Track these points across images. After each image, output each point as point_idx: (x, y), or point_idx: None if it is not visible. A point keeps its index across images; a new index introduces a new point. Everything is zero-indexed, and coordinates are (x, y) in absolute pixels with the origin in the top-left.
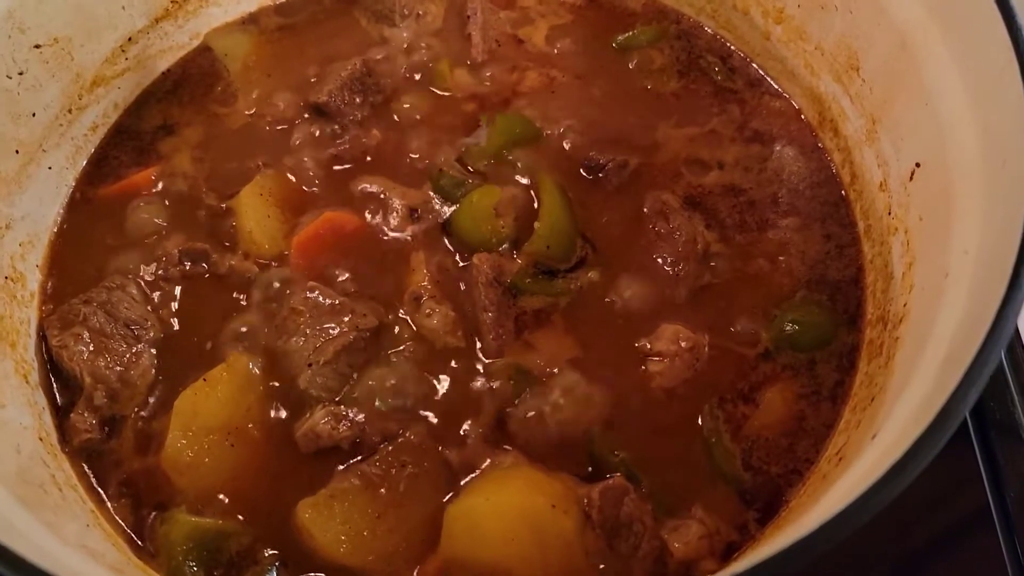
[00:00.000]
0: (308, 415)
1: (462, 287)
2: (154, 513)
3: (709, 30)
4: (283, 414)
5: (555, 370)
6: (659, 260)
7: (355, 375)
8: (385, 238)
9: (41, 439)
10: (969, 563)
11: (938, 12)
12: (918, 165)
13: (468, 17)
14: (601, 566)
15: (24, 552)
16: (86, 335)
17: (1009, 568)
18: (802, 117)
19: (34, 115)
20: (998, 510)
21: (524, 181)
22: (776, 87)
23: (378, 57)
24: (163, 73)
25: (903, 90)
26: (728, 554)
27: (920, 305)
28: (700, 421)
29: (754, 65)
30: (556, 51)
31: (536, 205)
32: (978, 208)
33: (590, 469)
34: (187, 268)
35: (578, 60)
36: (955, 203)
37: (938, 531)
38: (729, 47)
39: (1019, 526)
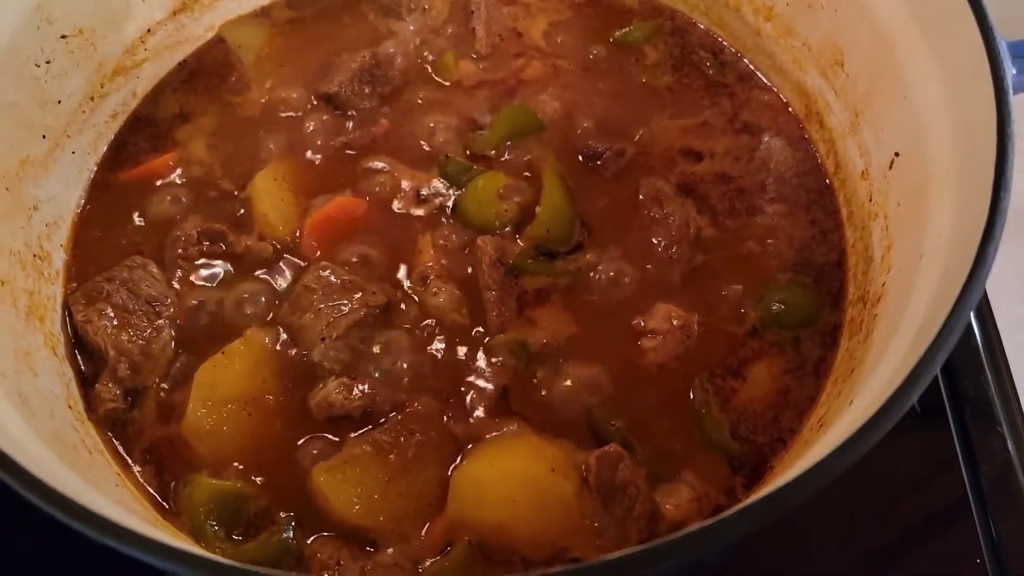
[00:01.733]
0: (321, 385)
1: (467, 268)
2: (177, 478)
3: (702, 26)
4: (298, 385)
5: (555, 345)
6: (654, 243)
7: (366, 348)
8: (393, 221)
9: (70, 407)
10: (946, 545)
11: (917, 13)
12: (897, 155)
13: (472, 12)
14: (597, 525)
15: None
16: (109, 311)
17: (984, 551)
18: (789, 110)
19: (60, 102)
20: (974, 493)
21: (526, 168)
22: (765, 81)
23: (386, 50)
24: (179, 63)
25: (884, 85)
26: (715, 515)
27: (897, 285)
28: (691, 394)
29: (745, 60)
30: (556, 46)
31: (538, 191)
32: (951, 195)
33: (588, 437)
34: (205, 248)
35: (577, 55)
36: (930, 190)
37: (915, 514)
38: (721, 43)
39: (995, 509)
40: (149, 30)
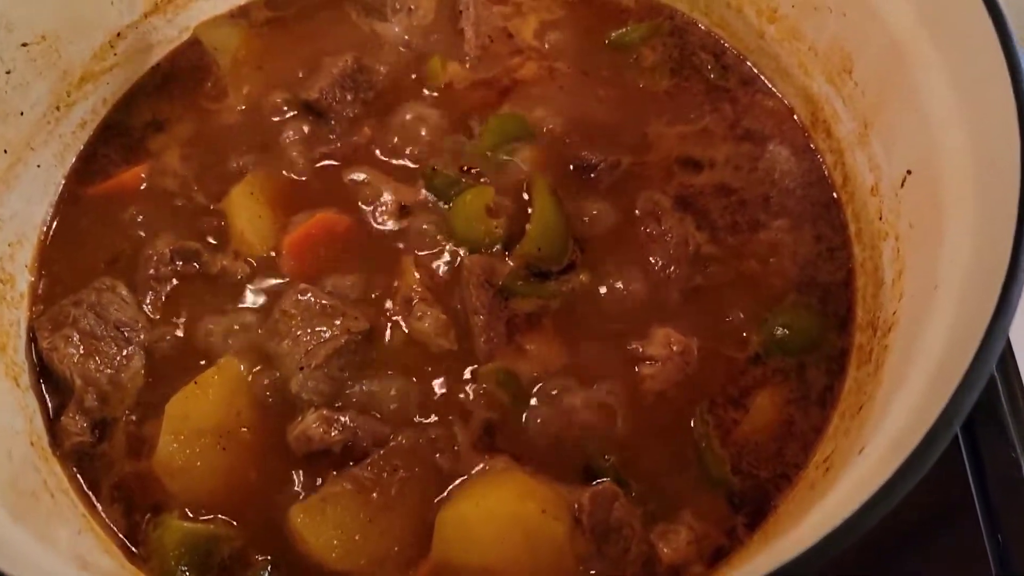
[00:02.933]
0: (300, 419)
1: (455, 290)
2: (148, 516)
3: (702, 27)
4: (275, 418)
5: (546, 373)
6: (650, 261)
7: (347, 378)
8: (376, 238)
9: (32, 443)
10: (951, 551)
11: (929, 17)
12: (909, 172)
13: (460, 12)
14: (592, 572)
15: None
16: (76, 337)
17: (991, 556)
18: (795, 117)
19: (22, 114)
20: (980, 499)
21: (517, 181)
22: (769, 86)
23: (370, 54)
24: (152, 68)
25: (895, 94)
26: (716, 558)
27: (909, 315)
28: (692, 424)
29: (747, 63)
30: (548, 48)
31: (528, 206)
32: (968, 217)
33: (580, 473)
34: (178, 268)
35: (571, 57)
36: (945, 213)
37: (921, 519)
38: (723, 44)
39: (1001, 515)
40: (119, 34)
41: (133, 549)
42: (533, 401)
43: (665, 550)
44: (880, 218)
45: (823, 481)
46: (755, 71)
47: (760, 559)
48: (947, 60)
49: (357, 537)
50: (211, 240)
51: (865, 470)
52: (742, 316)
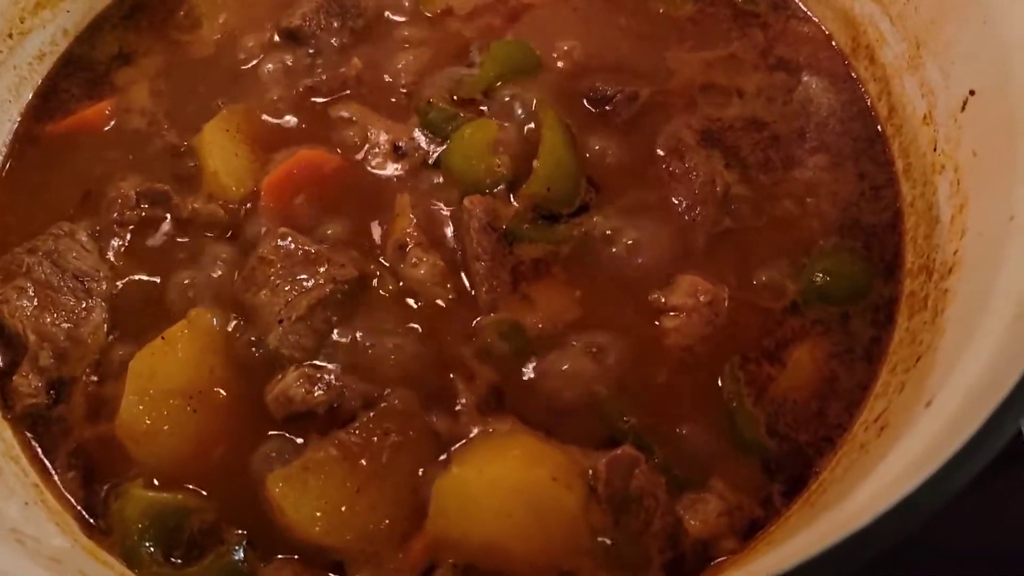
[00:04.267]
0: (279, 377)
1: (452, 234)
2: (107, 487)
3: None
4: (252, 376)
5: (556, 326)
6: (674, 203)
7: (332, 332)
8: (366, 179)
9: None
10: (1000, 495)
11: None
12: (972, 93)
13: None
14: (608, 543)
15: None
16: (30, 288)
17: None
18: (833, 44)
19: None
20: None
21: (522, 115)
22: (804, 10)
23: None
24: None
25: (956, 7)
26: (751, 532)
27: (976, 253)
28: (720, 383)
29: None
30: None
31: (536, 142)
32: None
33: (596, 437)
34: (145, 212)
35: None
36: (1020, 135)
37: None
38: None
39: None
40: None
41: (91, 521)
42: (541, 356)
43: (692, 522)
44: (934, 149)
45: (877, 442)
46: None
47: (807, 534)
48: None
49: (343, 509)
50: (182, 182)
51: (938, 425)
52: (777, 261)
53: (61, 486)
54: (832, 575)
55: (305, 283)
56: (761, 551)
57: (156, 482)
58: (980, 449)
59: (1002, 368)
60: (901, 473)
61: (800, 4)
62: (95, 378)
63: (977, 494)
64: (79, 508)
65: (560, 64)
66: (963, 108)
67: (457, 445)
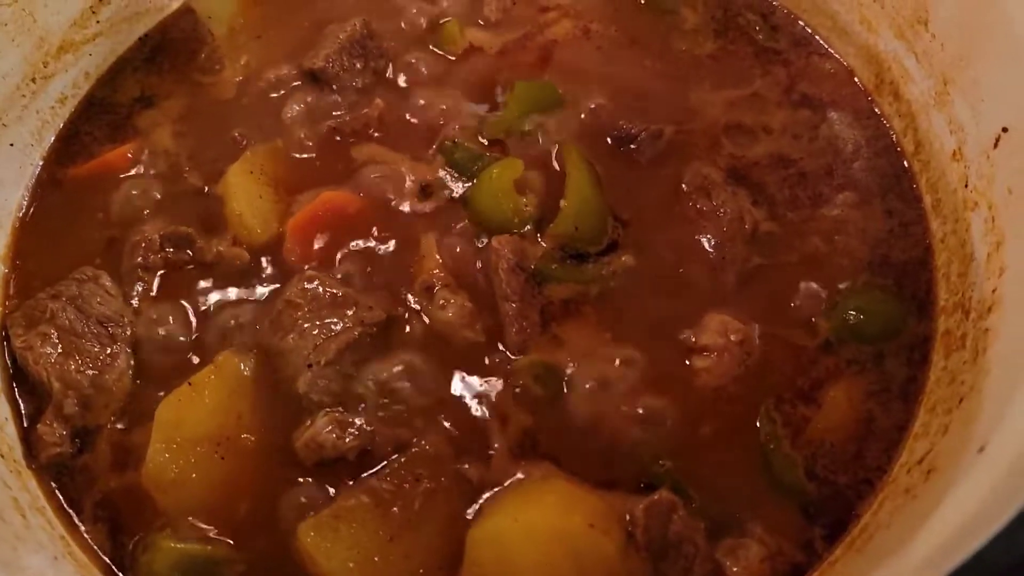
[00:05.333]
0: (309, 423)
1: (480, 275)
2: (136, 537)
3: None
4: (280, 422)
5: (587, 369)
6: (702, 241)
7: (362, 376)
8: (392, 219)
9: (2, 455)
10: None
11: None
12: (1005, 130)
13: None
14: None
15: None
16: (54, 335)
17: None
18: (855, 80)
19: None
20: None
21: (547, 153)
22: (825, 47)
23: (380, 18)
24: (140, 39)
25: (986, 44)
26: None
27: (1018, 292)
28: (758, 424)
29: (800, 22)
30: (578, 10)
31: (562, 181)
32: None
33: (633, 481)
34: (169, 256)
35: (603, 20)
36: None
37: None
38: (771, 3)
39: None
40: None
41: (119, 574)
42: (574, 399)
43: (734, 569)
44: (966, 186)
45: (924, 487)
46: (808, 30)
47: None
48: None
49: (376, 559)
50: (206, 225)
51: (998, 472)
52: (809, 300)
53: (88, 538)
54: None
55: (333, 326)
56: None
57: (185, 533)
58: None
59: None
60: (965, 524)
61: (821, 41)
62: (120, 426)
63: None
64: (106, 560)
65: (584, 103)
66: (995, 145)
67: (491, 492)
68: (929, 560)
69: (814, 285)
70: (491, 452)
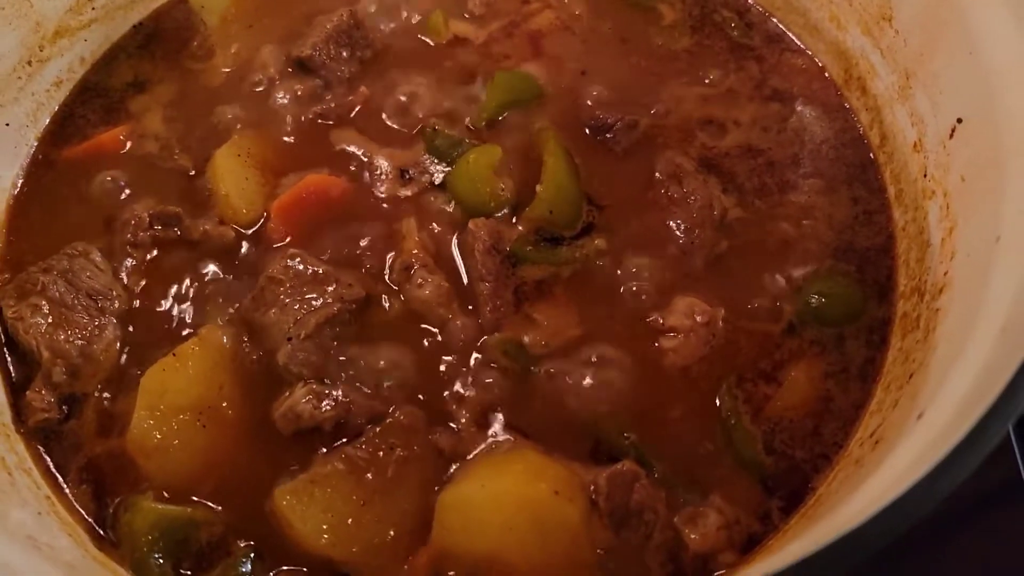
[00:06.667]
0: (288, 393)
1: (457, 256)
2: (117, 500)
3: None
4: (260, 392)
5: (557, 346)
6: (672, 227)
7: (340, 350)
8: (373, 202)
9: None
10: (998, 534)
11: None
12: (960, 121)
13: None
14: (609, 557)
15: None
16: (45, 306)
17: None
18: (826, 75)
19: None
20: None
21: (525, 141)
22: (798, 43)
23: (367, 8)
24: (134, 26)
25: (943, 40)
26: (749, 546)
27: (965, 273)
28: (718, 401)
29: (773, 20)
30: (559, 4)
31: (538, 167)
32: None
33: (597, 453)
34: (157, 233)
35: (584, 14)
36: (1005, 160)
37: (967, 501)
38: (746, 1)
39: None
40: None
41: (102, 533)
42: (543, 374)
43: (692, 536)
44: (925, 176)
45: (871, 456)
46: (782, 28)
47: (800, 543)
48: None
49: (349, 522)
50: (194, 205)
51: (929, 436)
52: (774, 283)
53: (72, 499)
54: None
55: (313, 302)
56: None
57: (166, 495)
58: (967, 453)
59: (989, 379)
60: (893, 482)
61: (794, 38)
62: (107, 394)
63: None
64: (90, 520)
65: (560, 94)
66: (951, 136)
67: (461, 461)
68: (856, 513)
69: (779, 271)
70: (462, 424)
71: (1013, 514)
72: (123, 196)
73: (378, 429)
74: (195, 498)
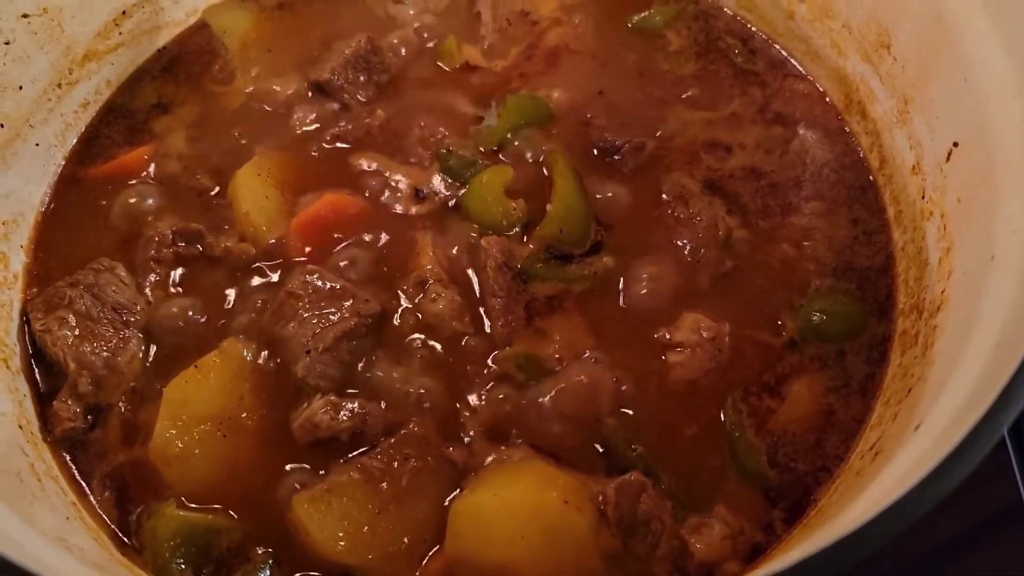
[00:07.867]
0: (306, 405)
1: (470, 272)
2: (140, 508)
3: (728, 11)
4: (279, 404)
5: (567, 360)
6: (679, 245)
7: (356, 363)
8: (389, 220)
9: (21, 427)
10: (998, 557)
11: None
12: (956, 144)
13: None
14: (616, 565)
15: None
16: (71, 319)
17: None
18: (827, 99)
19: (21, 88)
20: None
21: (536, 163)
22: (799, 69)
23: (384, 36)
24: (159, 50)
25: (939, 66)
26: (753, 556)
27: (961, 291)
28: (723, 415)
29: (776, 46)
30: (568, 31)
31: (549, 188)
32: None
33: (605, 465)
34: (180, 250)
35: (592, 40)
36: (998, 182)
37: (967, 524)
38: (750, 28)
39: None
40: (124, 12)
41: (125, 539)
42: (554, 388)
43: (698, 546)
44: (923, 197)
45: (871, 467)
46: (784, 54)
47: (799, 550)
48: (996, 24)
49: (365, 529)
50: (216, 222)
51: (925, 445)
52: (776, 300)
53: (97, 506)
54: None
55: (331, 316)
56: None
57: (187, 503)
58: (961, 458)
59: (983, 390)
60: (890, 488)
61: (796, 64)
62: (130, 405)
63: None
64: (113, 527)
65: (570, 117)
66: (948, 158)
67: (474, 471)
68: (854, 519)
69: (783, 288)
70: (474, 435)
71: (1016, 537)
72: (147, 214)
73: (393, 440)
74: (216, 505)
